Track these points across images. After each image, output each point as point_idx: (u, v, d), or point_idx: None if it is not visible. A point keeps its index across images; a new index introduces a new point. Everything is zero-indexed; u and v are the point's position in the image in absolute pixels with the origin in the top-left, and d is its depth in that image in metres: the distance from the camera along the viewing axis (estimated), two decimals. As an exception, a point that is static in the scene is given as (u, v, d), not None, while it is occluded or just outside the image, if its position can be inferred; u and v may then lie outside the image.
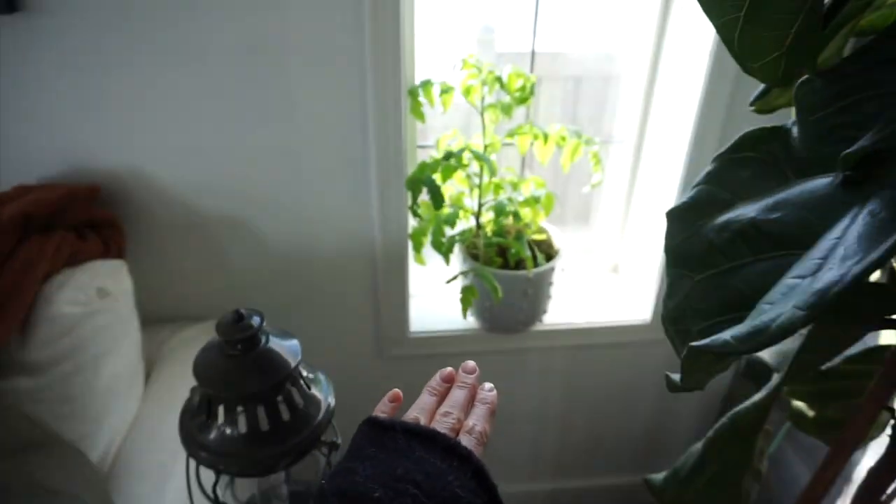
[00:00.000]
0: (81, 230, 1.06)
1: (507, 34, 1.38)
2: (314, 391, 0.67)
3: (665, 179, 1.31)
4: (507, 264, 1.25)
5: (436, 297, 1.45)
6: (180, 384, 1.11)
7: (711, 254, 0.58)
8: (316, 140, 1.13)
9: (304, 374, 0.67)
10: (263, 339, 0.61)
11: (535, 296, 1.27)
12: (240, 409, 0.59)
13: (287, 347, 0.63)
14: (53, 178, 1.10)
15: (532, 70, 1.34)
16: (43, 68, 1.01)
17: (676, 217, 0.62)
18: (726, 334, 0.45)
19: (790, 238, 0.51)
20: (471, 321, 1.38)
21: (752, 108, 0.64)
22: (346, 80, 1.08)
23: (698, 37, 1.16)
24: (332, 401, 0.69)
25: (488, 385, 0.58)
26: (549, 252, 1.35)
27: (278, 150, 1.13)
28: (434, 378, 0.58)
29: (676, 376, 0.57)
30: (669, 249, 0.62)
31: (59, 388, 0.94)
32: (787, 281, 0.46)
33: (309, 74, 1.07)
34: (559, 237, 1.33)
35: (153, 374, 1.14)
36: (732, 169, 0.59)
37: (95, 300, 0.96)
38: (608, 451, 1.69)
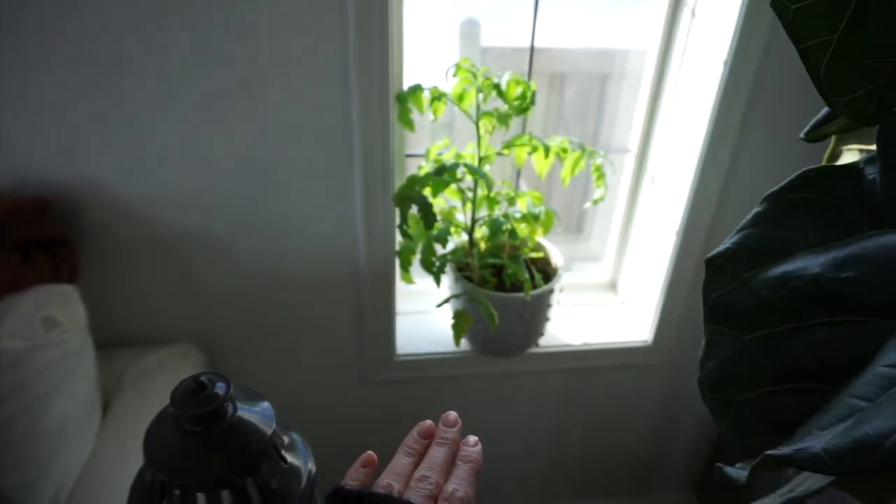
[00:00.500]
0: (27, 250, 0.94)
1: (492, 28, 1.28)
2: (291, 459, 0.57)
3: (671, 192, 1.22)
4: (503, 285, 1.16)
5: (425, 316, 1.35)
6: (140, 420, 1.00)
7: (764, 312, 0.49)
8: (294, 151, 1.02)
9: (280, 439, 0.57)
10: (230, 410, 0.51)
11: (532, 319, 1.18)
12: (201, 496, 0.49)
13: (259, 415, 0.53)
14: (2, 188, 0.98)
15: (531, 72, 1.24)
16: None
17: (718, 266, 0.53)
18: (816, 444, 0.36)
19: (868, 303, 0.43)
20: (463, 343, 1.28)
21: (804, 137, 0.56)
22: (327, 85, 0.97)
23: (715, 33, 1.07)
24: (312, 467, 0.59)
25: (472, 439, 0.51)
26: (546, 270, 1.26)
27: (252, 162, 1.02)
28: (410, 434, 0.52)
29: (733, 471, 0.47)
30: (710, 302, 0.53)
31: (2, 431, 0.82)
32: (888, 372, 0.37)
33: (285, 79, 0.96)
34: (557, 255, 1.24)
35: (112, 407, 1.03)
36: (788, 212, 0.50)
37: (41, 332, 0.85)
38: (602, 476, 1.62)
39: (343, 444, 1.41)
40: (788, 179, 0.51)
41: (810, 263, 0.47)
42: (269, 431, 0.52)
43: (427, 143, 1.20)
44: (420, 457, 0.49)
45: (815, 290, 0.46)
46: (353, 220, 1.10)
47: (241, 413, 0.51)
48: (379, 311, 1.19)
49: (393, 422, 1.38)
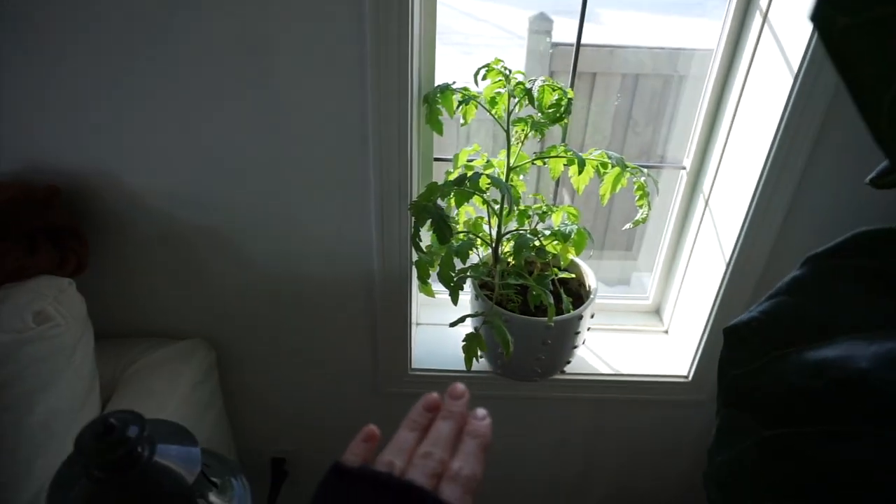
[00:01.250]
0: (35, 238, 0.93)
1: (562, 24, 1.19)
2: (221, 503, 0.51)
3: (725, 217, 1.09)
4: (527, 306, 1.07)
5: (445, 329, 1.28)
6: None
7: (793, 405, 0.39)
8: (308, 152, 0.96)
9: (211, 481, 0.51)
10: (146, 453, 0.45)
11: (556, 346, 1.08)
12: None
13: (181, 459, 0.47)
14: (14, 174, 0.97)
15: (575, 71, 1.14)
16: (3, 55, 0.87)
17: (741, 338, 0.43)
18: None
19: (930, 419, 0.32)
20: (483, 363, 1.20)
21: (869, 183, 0.45)
22: (343, 83, 0.90)
23: (787, 40, 0.93)
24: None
25: (481, 412, 0.48)
26: (578, 292, 1.16)
27: (264, 161, 0.97)
28: (415, 407, 0.48)
29: None
30: (727, 381, 0.43)
31: (-15, 425, 0.81)
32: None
33: (300, 75, 0.90)
34: (591, 276, 1.14)
35: (111, 403, 1.01)
36: (834, 281, 0.39)
37: (31, 327, 0.83)
38: (631, 513, 1.50)
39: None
40: (837, 241, 0.40)
41: (857, 352, 0.37)
42: (190, 478, 0.46)
43: (466, 147, 1.12)
44: (424, 431, 0.45)
45: (862, 390, 0.36)
46: (367, 228, 1.03)
47: (159, 458, 0.45)
48: (392, 324, 1.12)
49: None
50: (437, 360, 1.21)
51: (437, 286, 1.10)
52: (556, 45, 1.30)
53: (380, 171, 0.96)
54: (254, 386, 1.24)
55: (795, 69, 0.90)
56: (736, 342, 0.43)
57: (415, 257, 1.07)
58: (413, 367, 1.19)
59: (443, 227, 0.92)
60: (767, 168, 0.97)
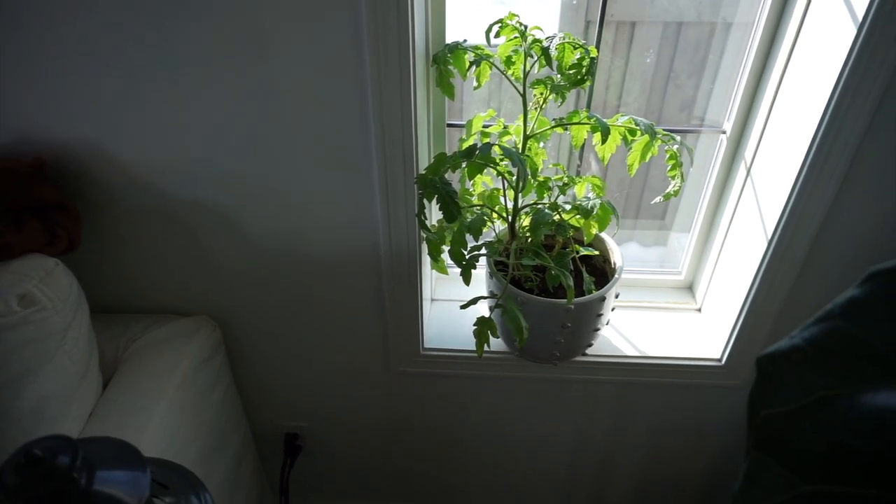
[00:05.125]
0: (21, 215, 0.88)
1: None
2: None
3: (768, 189, 0.98)
4: (545, 285, 0.99)
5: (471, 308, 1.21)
6: (140, 399, 0.95)
7: (842, 461, 0.31)
8: (305, 121, 0.88)
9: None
10: (82, 482, 0.40)
11: (575, 329, 1.01)
12: None
13: (127, 484, 0.42)
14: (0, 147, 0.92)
15: (602, 21, 1.02)
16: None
17: (778, 370, 0.34)
18: None
19: None
20: (500, 343, 1.13)
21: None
22: (338, 42, 0.82)
23: None
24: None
25: None
26: (602, 269, 1.07)
27: (256, 130, 0.90)
28: None
29: None
30: (759, 421, 0.35)
31: (-26, 411, 0.78)
32: None
33: (293, 38, 0.81)
34: (617, 253, 1.04)
35: (111, 383, 0.98)
36: (904, 307, 0.30)
37: (16, 310, 0.79)
38: (655, 499, 1.44)
39: (364, 431, 1.32)
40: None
41: (933, 404, 0.28)
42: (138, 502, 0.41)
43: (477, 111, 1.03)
44: None
45: (937, 453, 0.28)
46: (372, 203, 0.96)
47: (99, 486, 0.40)
48: (402, 302, 1.06)
49: (419, 414, 1.27)
50: (453, 339, 1.15)
51: (450, 262, 1.03)
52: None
53: (381, 141, 0.88)
54: (265, 362, 1.20)
55: (860, 16, 0.77)
56: (772, 375, 0.34)
57: (424, 234, 0.99)
58: (426, 346, 1.13)
59: (449, 205, 0.84)
60: (821, 133, 0.86)
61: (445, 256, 1.01)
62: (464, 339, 1.15)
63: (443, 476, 1.42)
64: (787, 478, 0.34)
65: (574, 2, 1.18)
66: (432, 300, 1.23)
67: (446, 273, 1.07)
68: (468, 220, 0.94)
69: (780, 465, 0.34)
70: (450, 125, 1.09)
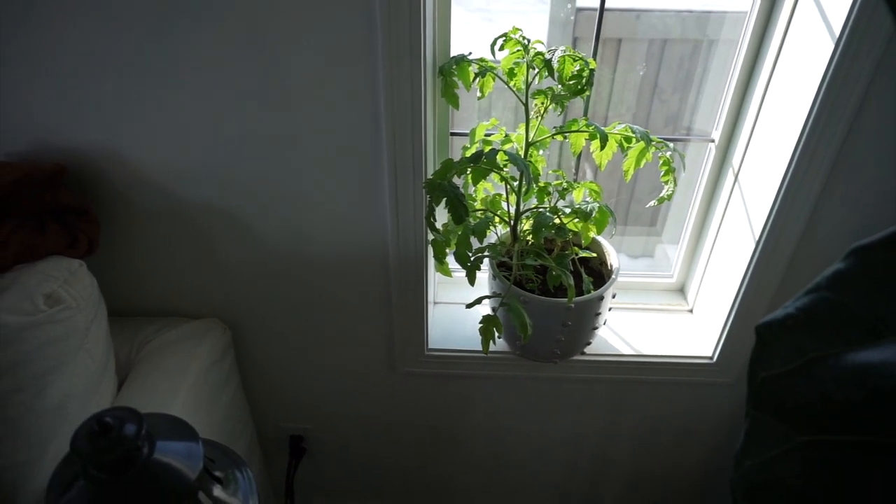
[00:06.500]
0: (43, 218, 0.91)
1: None
2: (226, 498, 0.49)
3: (755, 193, 1.04)
4: (546, 286, 1.03)
5: (464, 309, 1.25)
6: (154, 399, 0.98)
7: (832, 413, 0.36)
8: (316, 126, 0.93)
9: (214, 476, 0.49)
10: (145, 451, 0.43)
11: (575, 327, 1.05)
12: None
13: (182, 455, 0.45)
14: (20, 154, 0.95)
15: (598, 37, 1.08)
16: (8, 30, 0.85)
17: (775, 336, 0.39)
18: None
19: None
20: (501, 343, 1.18)
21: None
22: (352, 54, 0.86)
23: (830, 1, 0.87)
24: (255, 501, 0.51)
25: None
26: (599, 271, 1.12)
27: (268, 135, 0.94)
28: None
29: None
30: (758, 383, 0.40)
31: (0, 406, 0.80)
32: None
33: (307, 46, 0.86)
34: (613, 255, 1.10)
35: (127, 382, 1.00)
36: (885, 277, 0.35)
37: (42, 309, 0.82)
38: (649, 495, 1.48)
39: (367, 431, 1.36)
40: (890, 231, 0.36)
41: (908, 358, 0.33)
42: (192, 475, 0.44)
43: (480, 121, 1.08)
44: None
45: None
46: (381, 206, 1.00)
47: (158, 455, 0.44)
48: (408, 303, 1.10)
49: (422, 414, 1.31)
50: (455, 340, 1.19)
51: (454, 265, 1.08)
52: (580, 10, 1.24)
53: (392, 147, 0.93)
54: (271, 364, 1.23)
55: (837, 34, 0.84)
56: (769, 341, 0.39)
57: (430, 236, 1.04)
58: (430, 347, 1.17)
59: (458, 207, 0.89)
60: (803, 142, 0.92)
61: (450, 259, 1.06)
62: (465, 340, 1.19)
63: (444, 475, 1.46)
64: (783, 431, 0.39)
65: (562, 19, 1.24)
66: (434, 303, 1.27)
67: (450, 275, 1.11)
68: (472, 223, 0.99)
69: (777, 421, 0.39)
70: (452, 134, 1.14)
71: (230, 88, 0.90)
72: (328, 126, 0.93)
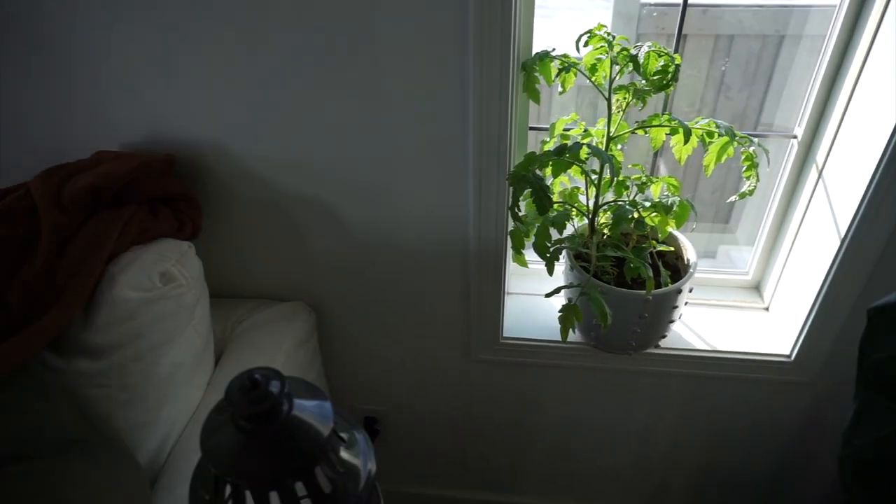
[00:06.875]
0: (154, 204, 0.99)
1: None
2: (350, 459, 0.54)
3: (841, 191, 1.03)
4: (623, 278, 1.05)
5: (539, 299, 1.28)
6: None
7: (943, 392, 0.37)
8: (405, 119, 0.97)
9: (339, 439, 0.53)
10: (286, 408, 0.48)
11: (652, 320, 1.07)
12: (255, 494, 0.47)
13: (317, 414, 0.50)
14: (135, 145, 1.04)
15: (680, 33, 1.09)
16: (130, 30, 0.93)
17: (889, 319, 0.41)
18: None
19: None
20: (575, 334, 1.20)
21: None
22: (443, 49, 0.90)
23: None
24: (372, 467, 0.55)
25: None
26: (676, 265, 1.13)
27: (362, 129, 0.99)
28: None
29: None
30: (868, 363, 0.42)
31: (118, 374, 0.88)
32: None
33: (399, 42, 0.90)
34: (690, 249, 1.10)
35: (224, 358, 1.08)
36: None
37: (157, 286, 0.89)
38: (719, 492, 1.47)
39: (438, 416, 1.40)
40: None
41: None
42: (325, 432, 0.49)
43: (556, 116, 1.10)
44: None
45: None
46: (465, 196, 1.04)
47: (297, 412, 0.49)
48: (486, 292, 1.14)
49: (493, 401, 1.34)
50: (528, 329, 1.22)
51: (529, 256, 1.11)
52: (644, 5, 1.25)
53: (479, 140, 0.96)
54: (350, 347, 1.29)
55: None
56: (880, 324, 0.41)
57: (510, 227, 1.07)
58: (504, 335, 1.21)
59: (542, 198, 0.92)
60: (895, 139, 0.90)
61: (526, 250, 1.09)
62: (538, 329, 1.22)
63: (511, 464, 1.49)
64: (894, 411, 0.40)
65: (627, 14, 1.24)
66: (507, 293, 1.30)
67: (526, 266, 1.14)
68: (552, 215, 1.02)
69: (888, 400, 0.40)
70: (530, 128, 1.17)
71: (330, 88, 0.95)
72: (418, 121, 0.97)
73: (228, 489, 0.48)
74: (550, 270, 1.02)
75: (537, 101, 1.03)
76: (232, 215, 1.11)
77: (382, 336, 1.26)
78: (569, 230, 1.13)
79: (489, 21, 0.86)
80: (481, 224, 1.05)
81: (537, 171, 0.97)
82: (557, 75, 0.98)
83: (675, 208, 1.00)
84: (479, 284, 1.13)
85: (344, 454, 0.53)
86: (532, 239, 1.06)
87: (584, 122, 1.08)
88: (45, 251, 0.87)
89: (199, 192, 1.07)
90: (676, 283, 1.03)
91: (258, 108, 0.99)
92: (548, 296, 1.02)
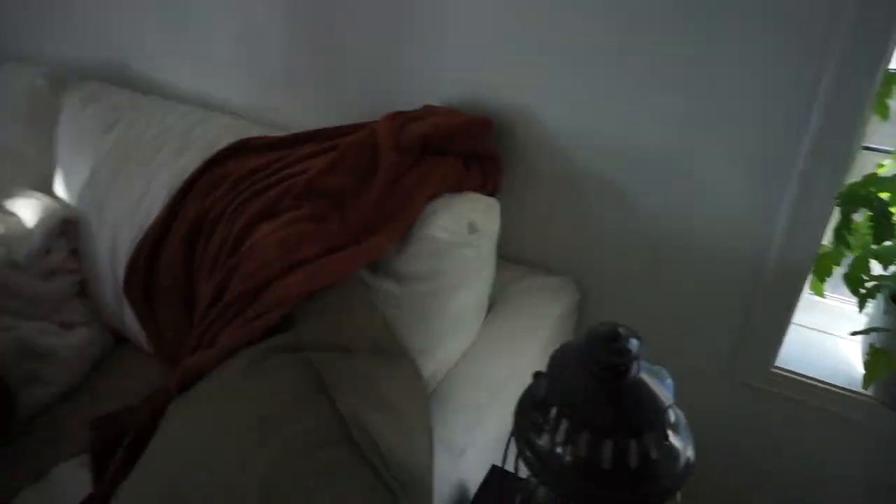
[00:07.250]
0: (467, 159, 1.08)
1: None
2: (673, 440, 0.54)
3: None
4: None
5: (824, 335, 1.16)
6: (514, 335, 1.10)
7: None
8: (726, 116, 0.94)
9: (670, 416, 0.54)
10: (635, 369, 0.50)
11: (981, 390, 0.91)
12: (585, 435, 0.50)
13: (660, 384, 0.51)
14: (453, 103, 1.14)
15: None
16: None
17: None
18: None
19: None
20: (857, 382, 1.07)
21: None
22: (792, 51, 0.85)
23: None
24: (691, 455, 0.55)
25: None
26: None
27: (676, 118, 0.97)
28: None
29: None
30: None
31: (417, 302, 0.98)
32: None
33: (741, 37, 0.87)
34: None
35: (492, 314, 1.15)
36: None
37: (464, 233, 0.98)
38: None
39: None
40: None
41: None
42: (666, 403, 0.50)
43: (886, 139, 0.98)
44: None
45: None
46: (777, 208, 0.97)
47: (644, 376, 0.50)
48: (770, 314, 1.06)
49: (740, 430, 1.25)
50: (805, 364, 1.11)
51: (830, 288, 1.01)
52: None
53: (814, 151, 0.89)
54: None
55: None
56: None
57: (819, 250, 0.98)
58: (776, 363, 1.12)
59: (883, 223, 0.83)
60: None
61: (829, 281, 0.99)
62: (817, 367, 1.11)
63: (734, 490, 1.38)
64: None
65: None
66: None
67: (822, 296, 1.05)
68: (880, 246, 0.91)
69: None
70: (865, 148, 1.05)
71: (659, 79, 0.95)
72: (744, 120, 0.93)
73: (565, 427, 0.52)
74: (861, 306, 0.92)
75: (886, 116, 0.93)
76: (520, 182, 1.17)
77: (641, 331, 1.24)
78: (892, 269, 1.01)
79: (866, 34, 0.78)
80: (789, 241, 0.98)
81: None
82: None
83: None
84: (764, 304, 1.06)
85: (670, 433, 0.53)
86: (841, 268, 0.97)
87: (940, 150, 0.94)
88: (381, 184, 1.00)
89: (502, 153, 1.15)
90: None
91: (570, 83, 1.03)
92: (855, 334, 0.92)
